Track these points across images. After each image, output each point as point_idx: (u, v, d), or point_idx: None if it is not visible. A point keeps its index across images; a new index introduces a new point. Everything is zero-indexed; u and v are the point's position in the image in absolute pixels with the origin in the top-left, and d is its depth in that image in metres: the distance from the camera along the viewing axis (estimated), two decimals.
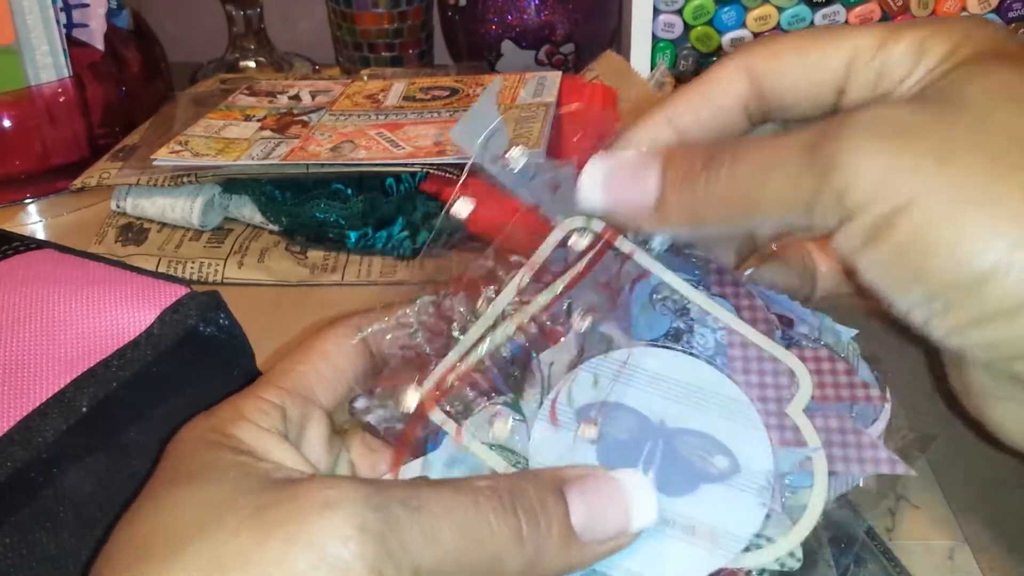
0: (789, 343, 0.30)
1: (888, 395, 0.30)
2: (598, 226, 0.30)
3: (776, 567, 0.26)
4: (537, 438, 0.27)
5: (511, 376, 0.29)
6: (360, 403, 0.29)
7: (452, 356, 0.29)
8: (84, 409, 0.29)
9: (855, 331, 0.32)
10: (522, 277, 0.29)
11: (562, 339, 0.29)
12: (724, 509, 0.26)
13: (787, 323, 0.30)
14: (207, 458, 0.24)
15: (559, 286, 0.29)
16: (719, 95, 0.30)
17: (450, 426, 0.28)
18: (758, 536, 0.26)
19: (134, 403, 0.30)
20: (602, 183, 0.28)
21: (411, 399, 0.28)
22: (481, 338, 0.29)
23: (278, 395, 0.27)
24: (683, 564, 0.25)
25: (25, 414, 0.29)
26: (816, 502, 0.27)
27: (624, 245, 0.30)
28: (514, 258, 0.30)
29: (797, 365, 0.29)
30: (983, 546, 0.35)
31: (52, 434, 0.28)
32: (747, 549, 0.26)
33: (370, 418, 0.29)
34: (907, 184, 0.23)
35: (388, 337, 0.29)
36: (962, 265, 0.22)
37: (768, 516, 0.26)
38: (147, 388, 0.31)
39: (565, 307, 0.30)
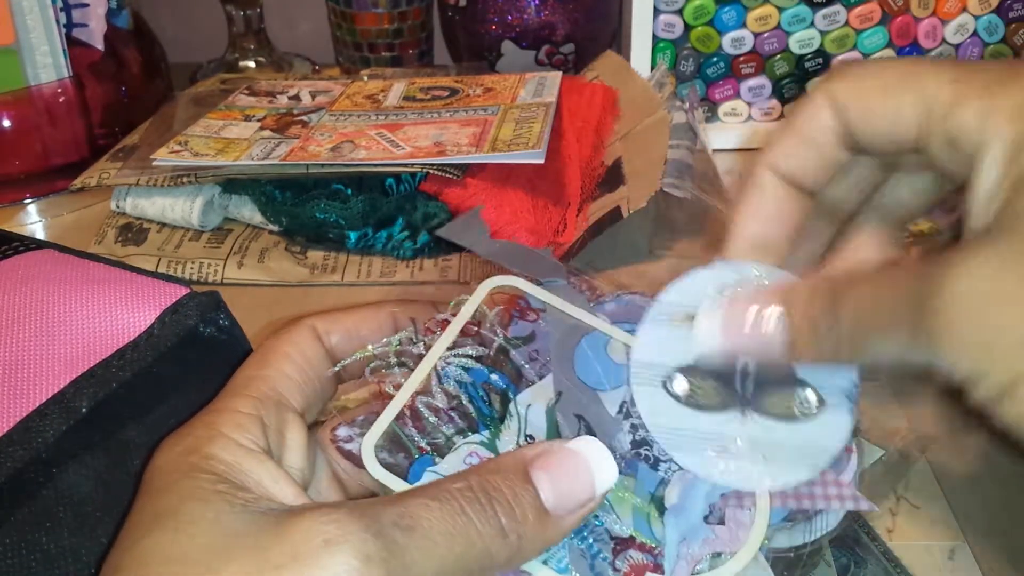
0: None
1: (854, 446, 0.30)
2: (521, 284, 0.31)
3: None
4: None
5: (488, 416, 0.29)
6: (342, 431, 0.29)
7: (391, 410, 0.28)
8: (84, 410, 0.29)
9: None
10: (448, 334, 0.30)
11: (538, 382, 0.29)
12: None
13: None
14: (186, 488, 0.24)
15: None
16: (814, 132, 0.29)
17: (392, 482, 0.27)
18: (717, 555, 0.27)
19: (134, 403, 0.30)
20: (721, 329, 0.28)
21: None
22: (422, 387, 0.29)
23: (252, 405, 0.27)
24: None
25: (25, 414, 0.29)
26: (756, 534, 0.28)
27: (569, 308, 0.31)
28: (440, 315, 0.30)
29: None
30: (983, 546, 0.35)
31: (52, 435, 0.28)
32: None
33: (351, 446, 0.29)
34: (1017, 360, 0.23)
35: (370, 367, 0.30)
36: None
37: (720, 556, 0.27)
38: (147, 388, 0.31)
39: (533, 352, 0.30)
